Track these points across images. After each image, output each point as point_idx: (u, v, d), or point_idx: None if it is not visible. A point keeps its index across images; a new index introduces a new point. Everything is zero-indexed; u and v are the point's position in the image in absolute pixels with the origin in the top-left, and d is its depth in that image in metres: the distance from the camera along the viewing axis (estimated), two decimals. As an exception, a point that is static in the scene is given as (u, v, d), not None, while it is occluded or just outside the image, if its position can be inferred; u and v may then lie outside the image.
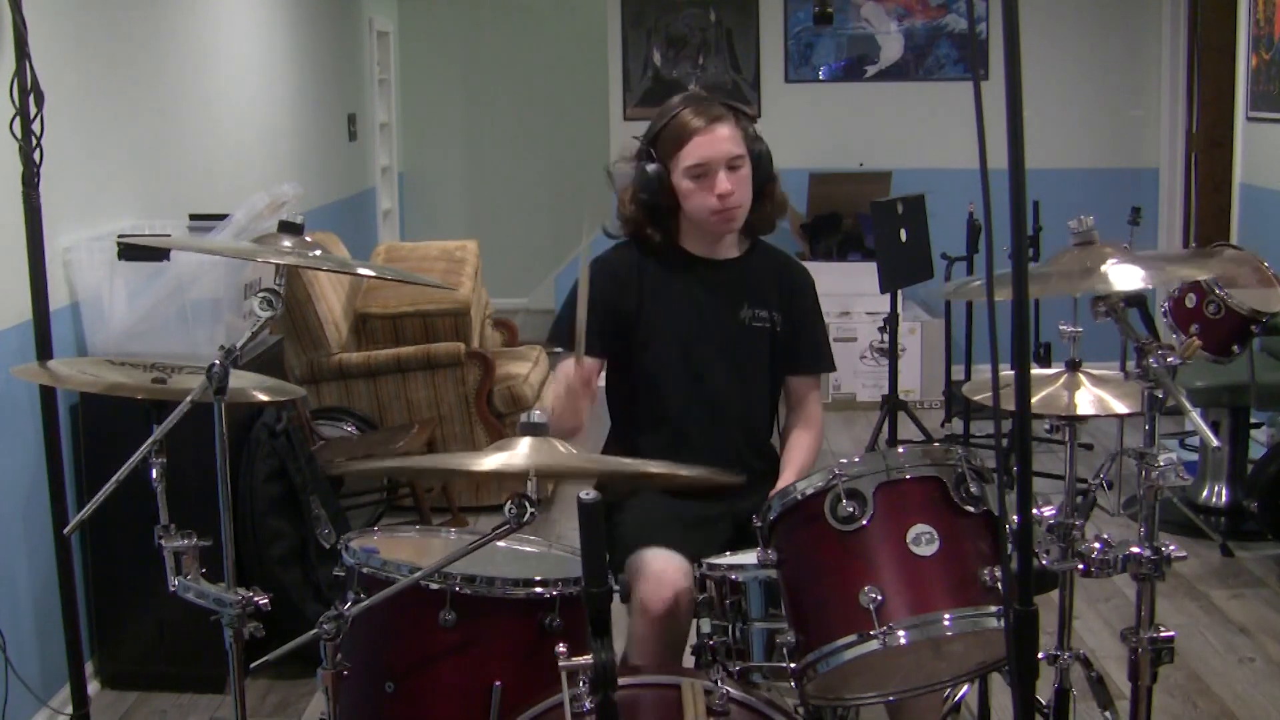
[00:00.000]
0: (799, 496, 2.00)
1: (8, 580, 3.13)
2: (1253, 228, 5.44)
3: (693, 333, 2.60)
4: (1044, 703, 2.45)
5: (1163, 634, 2.00)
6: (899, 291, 5.06)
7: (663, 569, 2.33)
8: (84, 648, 3.25)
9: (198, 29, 4.60)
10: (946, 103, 6.84)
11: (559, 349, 2.56)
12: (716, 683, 1.87)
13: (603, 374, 2.64)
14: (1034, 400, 2.25)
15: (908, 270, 5.09)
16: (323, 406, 4.70)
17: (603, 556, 1.62)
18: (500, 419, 4.84)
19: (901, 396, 5.12)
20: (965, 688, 2.57)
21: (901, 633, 1.87)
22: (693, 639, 2.23)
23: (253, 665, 2.06)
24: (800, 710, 2.09)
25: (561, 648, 1.74)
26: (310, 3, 6.22)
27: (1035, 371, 2.25)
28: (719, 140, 2.50)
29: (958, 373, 5.85)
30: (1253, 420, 4.64)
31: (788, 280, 2.69)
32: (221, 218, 3.56)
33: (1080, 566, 2.04)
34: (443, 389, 4.81)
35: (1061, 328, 2.38)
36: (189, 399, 2.04)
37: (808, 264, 2.85)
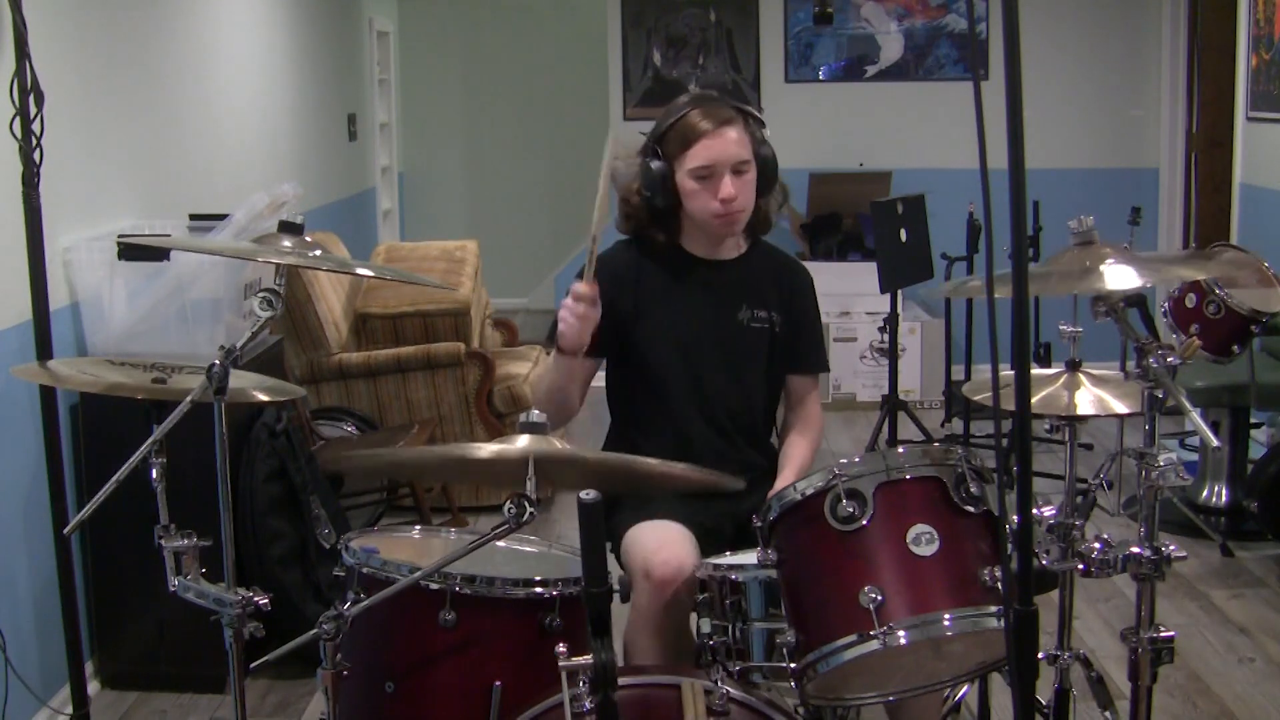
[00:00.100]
0: (799, 496, 2.00)
1: (8, 580, 3.13)
2: (1253, 228, 5.44)
3: (692, 333, 2.60)
4: (1044, 703, 2.45)
5: (1163, 634, 2.00)
6: (899, 291, 5.06)
7: (664, 536, 2.34)
8: (84, 648, 3.25)
9: (198, 29, 4.60)
10: (946, 103, 6.84)
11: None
12: (716, 683, 1.87)
13: (602, 374, 2.64)
14: (1034, 400, 2.25)
15: (908, 270, 5.09)
16: (323, 406, 4.70)
17: (603, 556, 1.62)
18: (500, 419, 4.84)
19: (901, 396, 5.13)
20: (965, 688, 2.56)
21: (901, 633, 1.87)
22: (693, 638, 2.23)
23: (253, 665, 2.06)
24: (800, 710, 2.09)
25: (561, 648, 1.74)
26: (310, 3, 6.22)
27: (1035, 371, 2.25)
28: (727, 144, 2.49)
29: (958, 373, 5.85)
30: (1253, 420, 4.64)
31: (788, 280, 2.69)
32: (221, 218, 3.56)
33: (1080, 566, 2.04)
34: (443, 389, 4.81)
35: (1061, 328, 2.38)
36: (189, 399, 2.04)
37: (808, 264, 2.85)
